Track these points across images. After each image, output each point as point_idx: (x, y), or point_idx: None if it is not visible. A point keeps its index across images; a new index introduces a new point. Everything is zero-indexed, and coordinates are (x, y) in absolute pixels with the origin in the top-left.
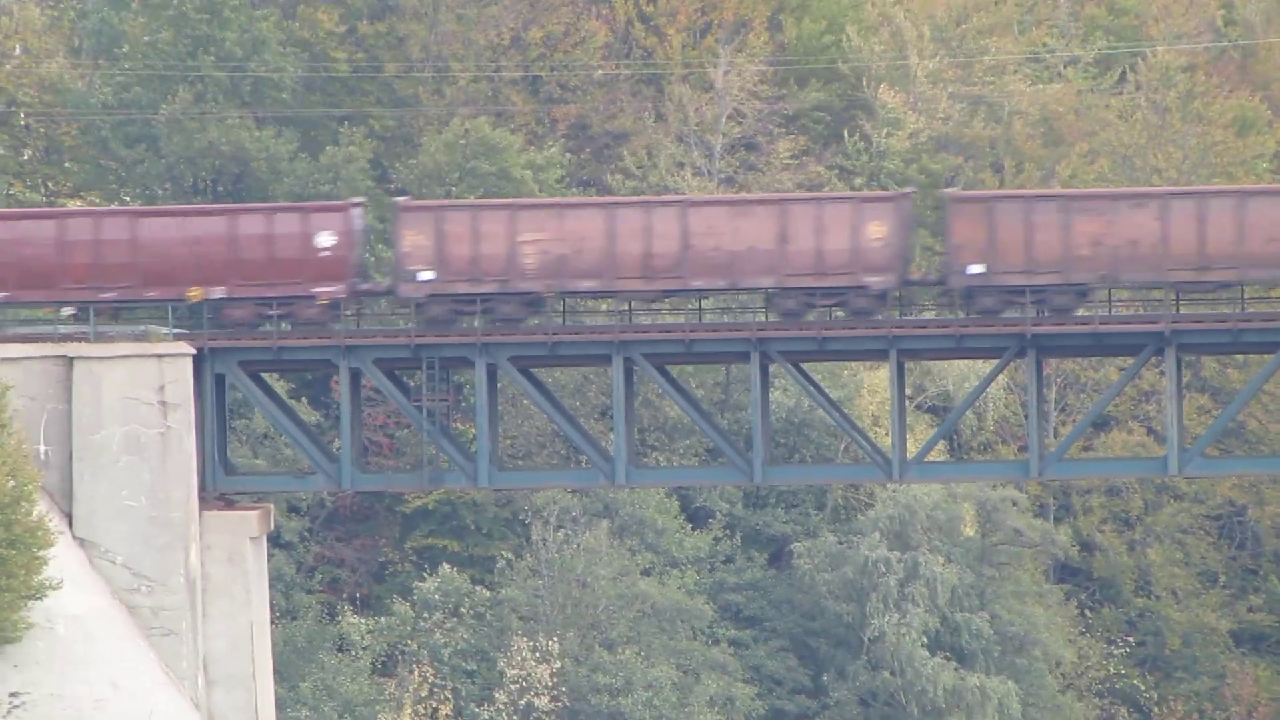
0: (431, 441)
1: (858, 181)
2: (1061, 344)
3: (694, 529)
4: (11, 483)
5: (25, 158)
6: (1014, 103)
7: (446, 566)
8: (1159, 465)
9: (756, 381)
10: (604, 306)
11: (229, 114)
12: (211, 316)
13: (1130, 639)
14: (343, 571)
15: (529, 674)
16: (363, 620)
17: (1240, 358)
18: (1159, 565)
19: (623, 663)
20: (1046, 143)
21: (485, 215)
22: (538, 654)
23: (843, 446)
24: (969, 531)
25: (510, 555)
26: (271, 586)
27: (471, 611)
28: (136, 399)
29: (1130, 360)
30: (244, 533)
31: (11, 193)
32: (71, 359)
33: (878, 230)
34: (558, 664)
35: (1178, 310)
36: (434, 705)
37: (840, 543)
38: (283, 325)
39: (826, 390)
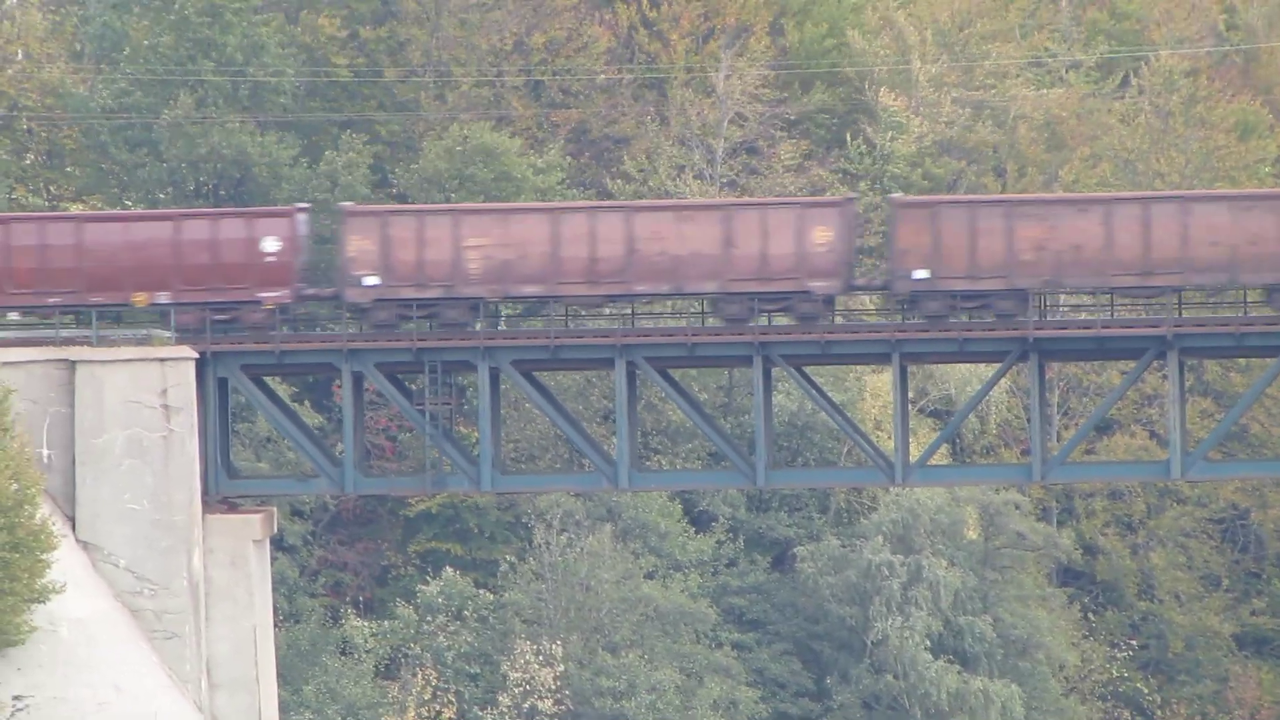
0: (434, 445)
1: (861, 186)
2: (1064, 348)
3: (697, 532)
4: (14, 486)
5: (27, 162)
6: (1018, 107)
7: (449, 570)
8: (1162, 469)
9: (759, 385)
10: (607, 310)
11: (230, 119)
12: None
13: (1133, 642)
14: (346, 575)
15: (532, 677)
16: (366, 623)
17: (1243, 361)
18: (1162, 569)
19: (626, 666)
20: (1049, 147)
21: (430, 220)
22: (541, 657)
23: (845, 450)
24: (972, 535)
25: (513, 559)
26: (274, 590)
27: (475, 615)
28: (139, 402)
29: (1133, 364)
30: (247, 536)
31: (14, 197)
32: (74, 363)
33: (823, 235)
34: (561, 667)
35: (1180, 314)
36: (437, 708)
37: (843, 546)
38: (283, 329)
39: (829, 394)
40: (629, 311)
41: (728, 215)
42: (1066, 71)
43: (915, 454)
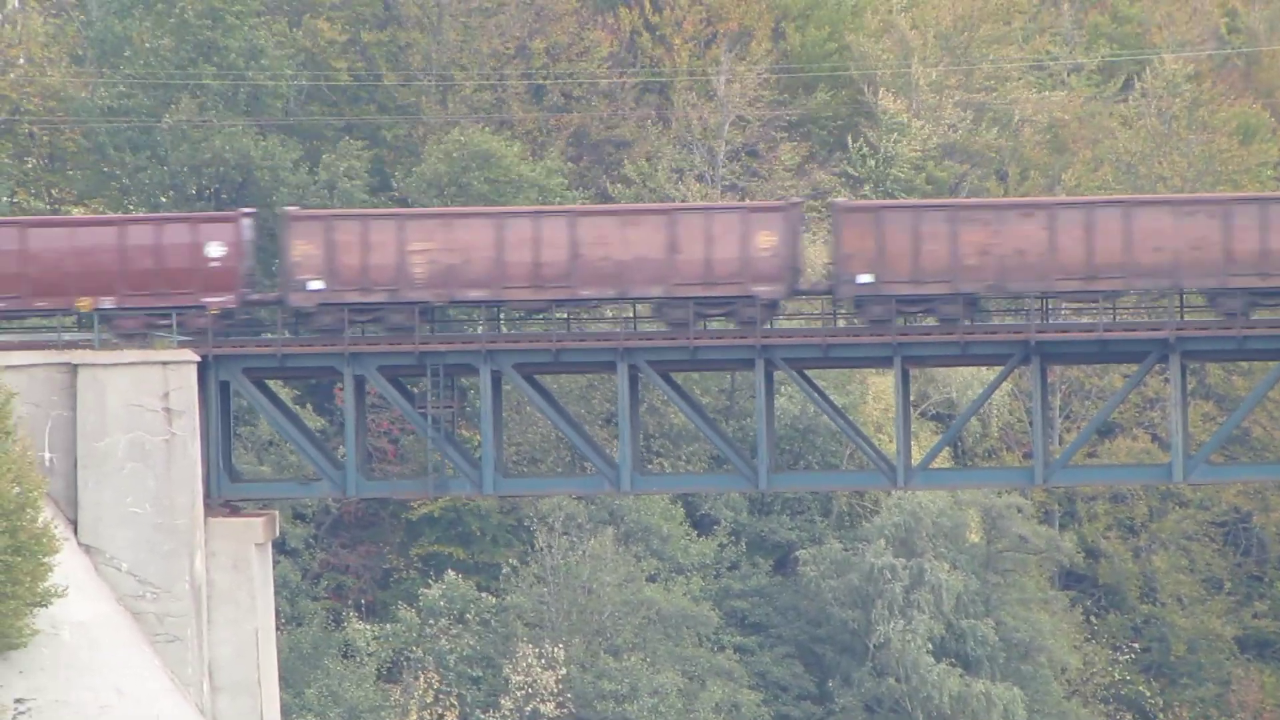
0: (436, 448)
1: (866, 189)
2: (1066, 351)
3: (699, 535)
4: (16, 489)
5: (29, 166)
6: (1021, 110)
7: (451, 573)
8: (1164, 472)
9: (761, 388)
10: (609, 313)
11: (231, 122)
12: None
13: (1135, 645)
14: (348, 578)
15: (534, 680)
16: (368, 626)
17: (1245, 365)
18: (1164, 572)
19: (628, 669)
20: (1051, 150)
21: (375, 225)
22: (543, 660)
23: (848, 453)
24: (974, 538)
25: (515, 562)
26: (277, 593)
27: (477, 618)
28: (141, 406)
29: (1135, 367)
30: (249, 539)
31: (15, 201)
32: (76, 366)
33: (767, 240)
34: (563, 670)
35: (1182, 317)
36: (439, 711)
37: (845, 549)
38: (284, 332)
39: (831, 397)
40: (631, 314)
41: (672, 220)
42: (1068, 75)
43: (917, 457)
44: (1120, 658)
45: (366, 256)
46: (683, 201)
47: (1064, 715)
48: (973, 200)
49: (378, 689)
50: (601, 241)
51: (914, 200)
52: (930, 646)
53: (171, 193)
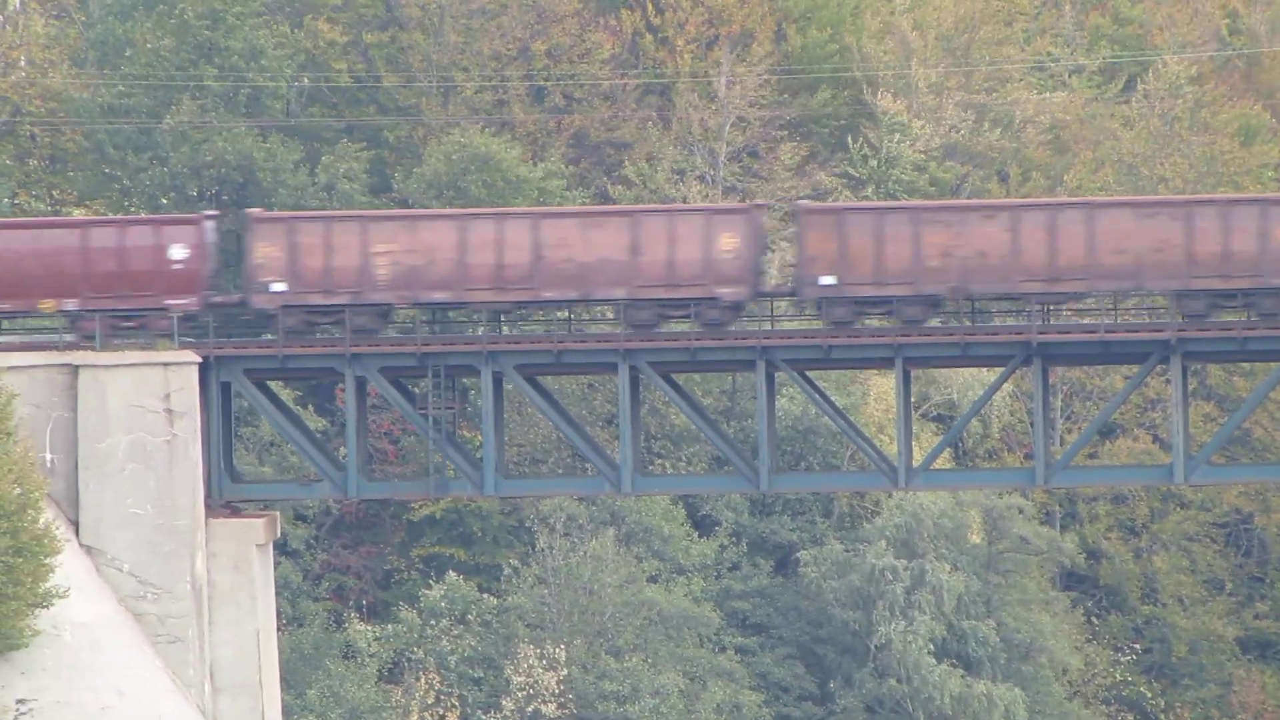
0: (437, 449)
1: (868, 191)
2: (1067, 352)
3: (700, 536)
4: (17, 490)
5: (30, 167)
6: (1022, 111)
7: (452, 574)
8: (1165, 473)
9: (762, 389)
10: (610, 314)
11: (232, 124)
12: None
13: (1136, 646)
14: (349, 579)
15: (536, 681)
16: (369, 627)
17: (1246, 366)
18: (1165, 572)
19: (629, 670)
20: (1053, 151)
21: (338, 227)
22: (544, 661)
23: (849, 454)
24: (975, 539)
25: (516, 563)
26: (278, 594)
27: (478, 619)
28: (142, 407)
29: (1136, 368)
30: (250, 540)
31: (17, 202)
32: (77, 367)
33: (729, 242)
34: (564, 671)
35: (1183, 319)
36: (441, 712)
37: (847, 550)
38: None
39: (832, 398)
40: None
41: (635, 222)
42: (1069, 76)
43: (918, 458)
44: (1121, 659)
45: (329, 258)
46: (683, 202)
47: (1065, 716)
48: (935, 203)
49: (379, 690)
50: (564, 244)
51: (876, 202)
52: (931, 647)
53: (172, 194)
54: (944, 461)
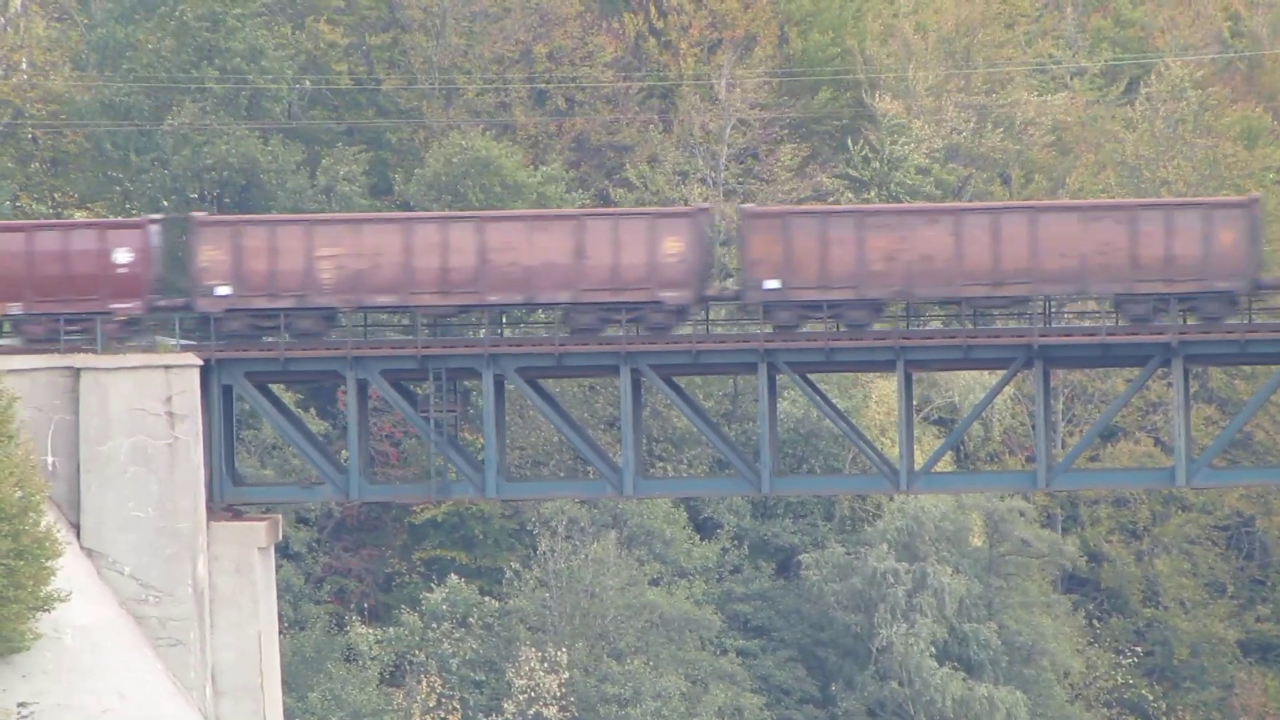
0: (439, 452)
1: (871, 194)
2: (1069, 355)
3: (702, 539)
4: (19, 493)
5: (32, 169)
6: (1023, 113)
7: (454, 577)
8: (1166, 476)
9: (764, 392)
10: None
11: (232, 126)
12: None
13: (1138, 649)
14: (350, 582)
15: (537, 684)
16: (371, 630)
17: (1248, 369)
18: (1167, 575)
19: (631, 673)
20: (1056, 153)
21: (282, 230)
22: (546, 664)
23: (850, 457)
24: (977, 542)
25: (518, 566)
26: (279, 597)
27: (479, 622)
28: (143, 410)
29: (1137, 371)
30: (251, 543)
31: (18, 205)
32: (78, 370)
33: (674, 246)
34: (566, 674)
35: (1185, 321)
36: (442, 715)
37: (848, 553)
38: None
39: (834, 400)
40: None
41: (579, 225)
42: (1071, 79)
43: (920, 461)
44: (1123, 661)
45: (274, 262)
46: (684, 204)
47: (1067, 719)
48: (880, 206)
49: (380, 693)
50: (509, 247)
51: (820, 206)
52: (933, 650)
53: (174, 196)
54: (945, 464)
